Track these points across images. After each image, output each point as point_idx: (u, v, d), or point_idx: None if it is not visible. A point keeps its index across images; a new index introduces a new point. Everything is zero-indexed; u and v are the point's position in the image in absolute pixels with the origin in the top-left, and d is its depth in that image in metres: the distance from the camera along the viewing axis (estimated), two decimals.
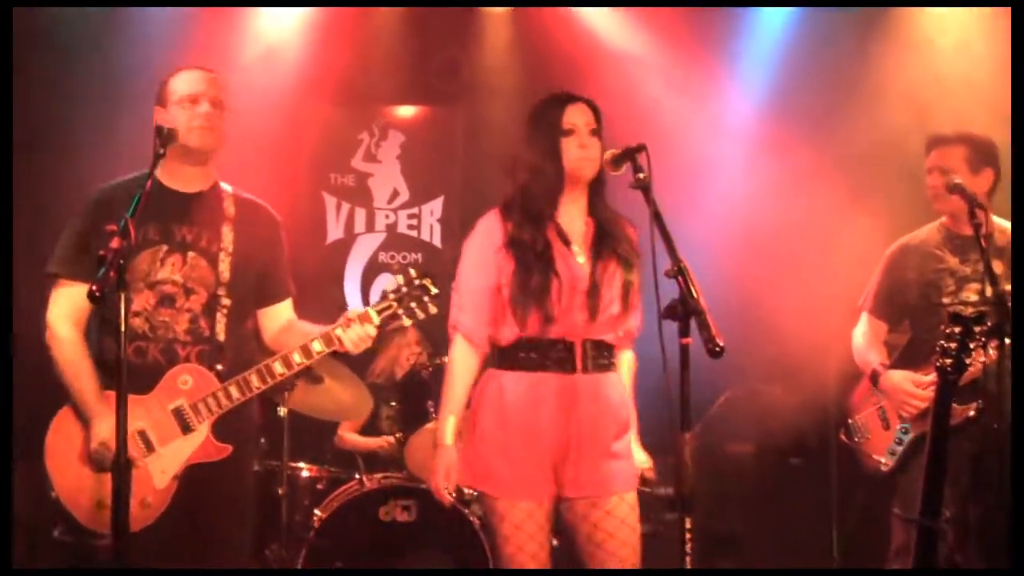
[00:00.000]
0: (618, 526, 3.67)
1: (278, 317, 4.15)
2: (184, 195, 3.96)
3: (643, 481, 3.83)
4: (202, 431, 3.81)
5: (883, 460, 4.70)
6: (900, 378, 4.63)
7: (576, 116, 3.73)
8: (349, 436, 6.13)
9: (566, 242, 3.74)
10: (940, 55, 6.20)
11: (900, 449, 4.64)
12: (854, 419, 4.86)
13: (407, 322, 3.90)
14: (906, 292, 4.75)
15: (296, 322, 4.15)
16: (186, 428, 3.80)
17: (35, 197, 5.70)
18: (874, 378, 4.73)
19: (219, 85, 3.98)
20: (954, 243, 4.67)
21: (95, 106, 6.09)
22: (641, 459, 3.86)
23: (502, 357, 3.76)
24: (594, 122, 3.75)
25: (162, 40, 6.09)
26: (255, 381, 3.82)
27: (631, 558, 3.69)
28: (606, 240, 3.76)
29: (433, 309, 3.89)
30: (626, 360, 3.92)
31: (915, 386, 4.56)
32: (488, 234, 3.77)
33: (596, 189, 3.80)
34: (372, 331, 3.85)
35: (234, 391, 3.81)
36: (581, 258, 3.73)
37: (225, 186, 4.08)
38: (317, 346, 3.85)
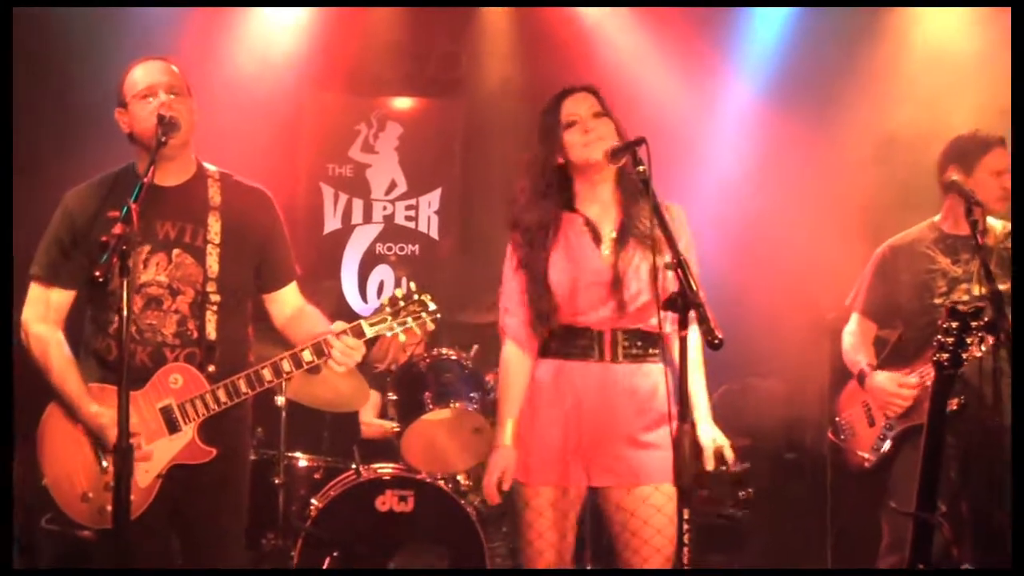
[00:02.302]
0: (653, 514, 3.65)
1: (285, 302, 4.04)
2: (163, 189, 3.80)
3: (720, 459, 3.71)
4: (188, 432, 3.73)
5: (867, 456, 4.73)
6: (884, 379, 4.66)
7: (576, 106, 3.74)
8: (373, 421, 6.01)
9: (595, 234, 3.74)
10: (939, 52, 6.21)
11: (884, 444, 4.67)
12: (841, 417, 4.90)
13: (402, 338, 3.76)
14: (897, 293, 4.76)
15: (305, 309, 4.05)
16: (172, 428, 3.73)
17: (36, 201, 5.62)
18: (860, 379, 4.77)
19: (174, 72, 3.82)
20: (946, 243, 4.68)
21: (92, 109, 5.99)
22: (713, 437, 3.70)
23: (540, 348, 3.81)
24: (598, 106, 3.74)
25: (156, 41, 5.83)
26: (243, 386, 3.74)
27: (667, 548, 3.63)
28: (631, 229, 3.72)
29: (431, 326, 3.76)
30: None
31: (899, 387, 4.60)
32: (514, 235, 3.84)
33: (622, 173, 3.74)
34: (361, 346, 3.73)
35: (222, 395, 3.73)
36: (607, 250, 3.73)
37: (211, 169, 3.94)
38: (307, 355, 3.72)
